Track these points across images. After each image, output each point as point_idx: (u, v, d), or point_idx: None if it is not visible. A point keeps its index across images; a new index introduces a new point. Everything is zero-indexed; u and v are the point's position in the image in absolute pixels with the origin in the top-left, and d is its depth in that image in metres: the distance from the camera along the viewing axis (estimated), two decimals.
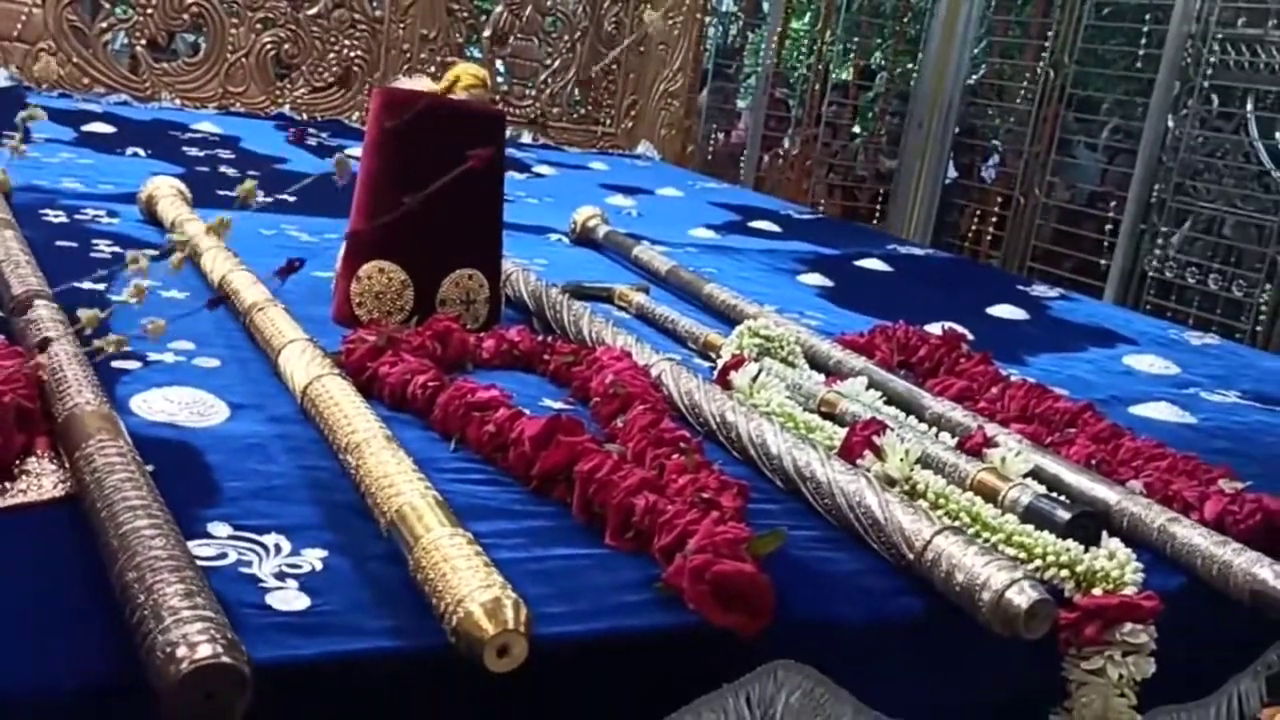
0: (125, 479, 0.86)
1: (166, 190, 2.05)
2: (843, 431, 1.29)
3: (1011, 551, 1.06)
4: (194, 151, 3.00)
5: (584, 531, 1.03)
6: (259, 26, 3.92)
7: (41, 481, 0.94)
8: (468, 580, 0.80)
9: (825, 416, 1.38)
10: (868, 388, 1.48)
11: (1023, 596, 0.92)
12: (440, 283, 1.58)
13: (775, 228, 3.12)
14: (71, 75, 3.68)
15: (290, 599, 0.84)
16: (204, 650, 0.66)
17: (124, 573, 0.75)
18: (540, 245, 2.38)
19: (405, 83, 1.77)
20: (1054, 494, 1.19)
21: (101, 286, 1.61)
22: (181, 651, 0.66)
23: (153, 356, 1.31)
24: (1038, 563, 1.05)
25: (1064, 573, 1.04)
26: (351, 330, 1.45)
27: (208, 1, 3.82)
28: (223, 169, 2.81)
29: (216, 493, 1.00)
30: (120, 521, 0.80)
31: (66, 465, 0.95)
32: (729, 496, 1.03)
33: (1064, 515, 1.10)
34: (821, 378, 1.55)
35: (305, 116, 3.98)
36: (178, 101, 3.80)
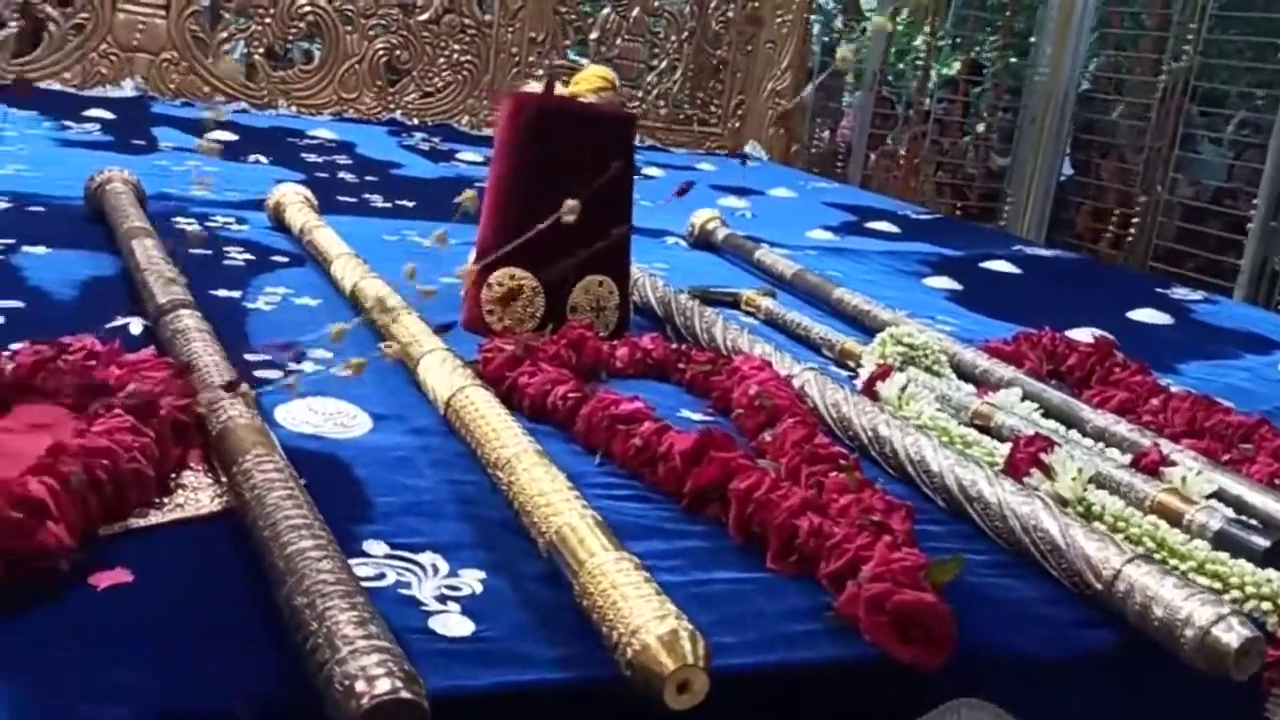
0: (285, 496, 0.84)
1: (293, 197, 2.06)
2: (1002, 447, 1.22)
3: (1204, 581, 0.98)
4: (312, 158, 3.03)
5: (742, 553, 0.99)
6: (372, 34, 3.96)
7: (199, 496, 0.93)
8: (640, 610, 0.75)
9: (979, 430, 1.31)
10: (1022, 399, 1.40)
11: (1232, 634, 0.84)
12: (571, 289, 1.55)
13: (894, 228, 3.03)
14: (193, 84, 3.76)
15: (453, 624, 0.81)
16: (383, 685, 0.63)
17: (292, 596, 0.72)
18: (658, 249, 2.33)
19: (530, 87, 1.76)
20: (1243, 517, 1.10)
21: (237, 294, 1.63)
22: (360, 686, 0.63)
23: (292, 366, 1.30)
24: (1235, 594, 0.97)
25: (1265, 605, 0.96)
26: (486, 338, 1.42)
27: (323, 10, 3.88)
28: (341, 175, 2.84)
29: (368, 508, 0.98)
30: (284, 542, 0.78)
31: (222, 479, 0.94)
32: (898, 519, 0.97)
33: (1261, 542, 1.02)
34: (971, 388, 1.47)
35: (416, 121, 4.00)
36: (294, 109, 3.87)
